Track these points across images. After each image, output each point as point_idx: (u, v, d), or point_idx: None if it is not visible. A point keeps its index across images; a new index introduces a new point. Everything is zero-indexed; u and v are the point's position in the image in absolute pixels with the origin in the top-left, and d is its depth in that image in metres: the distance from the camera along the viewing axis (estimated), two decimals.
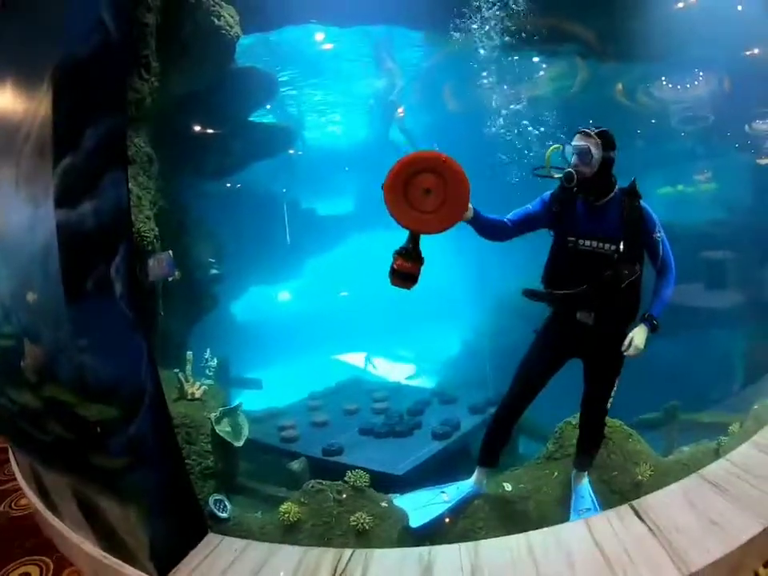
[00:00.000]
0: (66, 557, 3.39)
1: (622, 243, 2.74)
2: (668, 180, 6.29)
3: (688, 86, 5.71)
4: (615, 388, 3.07)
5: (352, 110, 8.96)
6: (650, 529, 2.92)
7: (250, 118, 6.34)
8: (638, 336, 2.77)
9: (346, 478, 3.57)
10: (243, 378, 6.99)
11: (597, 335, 2.93)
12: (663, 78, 5.77)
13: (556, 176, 2.83)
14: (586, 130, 2.76)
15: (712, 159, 5.99)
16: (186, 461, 3.48)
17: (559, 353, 3.11)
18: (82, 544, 3.16)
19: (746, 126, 5.45)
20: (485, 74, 6.86)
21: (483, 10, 5.29)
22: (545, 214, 2.91)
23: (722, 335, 5.30)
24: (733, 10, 5.02)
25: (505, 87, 6.88)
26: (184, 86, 4.48)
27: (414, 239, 2.61)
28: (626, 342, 2.79)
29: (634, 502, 3.19)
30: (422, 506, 3.34)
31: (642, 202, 2.81)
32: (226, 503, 3.47)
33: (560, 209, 2.86)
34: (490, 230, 2.85)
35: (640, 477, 3.43)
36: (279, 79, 6.05)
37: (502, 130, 7.88)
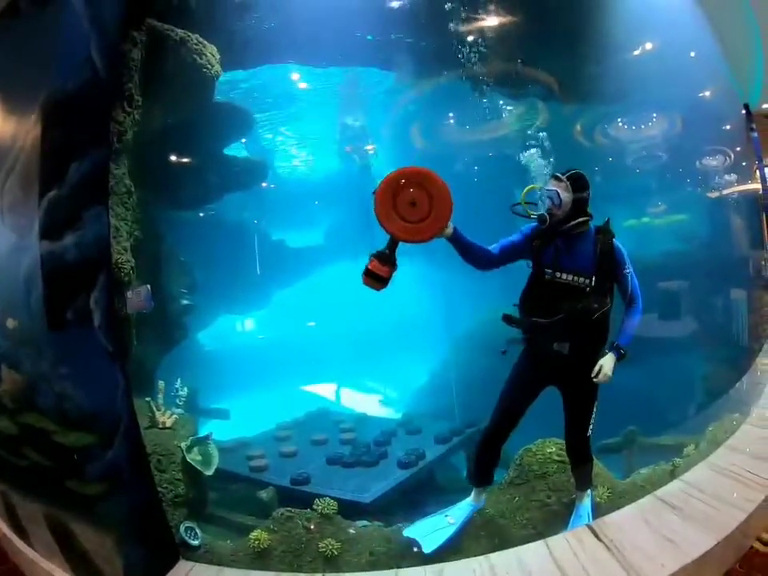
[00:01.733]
0: None
1: (594, 277, 2.96)
2: (626, 214, 6.61)
3: (643, 126, 6.08)
4: (594, 413, 3.25)
5: (322, 147, 9.18)
6: (608, 547, 3.08)
7: (225, 152, 6.49)
8: (606, 364, 2.97)
9: (314, 506, 3.64)
10: (211, 407, 6.95)
11: (571, 363, 3.09)
12: (619, 119, 6.14)
13: (532, 215, 3.08)
14: (558, 175, 3.02)
15: (666, 194, 6.33)
16: (157, 488, 3.49)
17: (537, 381, 3.28)
18: (54, 572, 3.14)
19: (697, 163, 5.81)
20: (451, 114, 7.20)
21: (455, 53, 5.59)
22: (525, 246, 3.10)
23: (678, 362, 5.58)
24: (685, 56, 5.39)
25: (468, 127, 7.24)
26: (164, 120, 4.60)
27: (392, 245, 2.78)
28: (596, 369, 2.98)
29: (592, 523, 3.36)
30: (430, 532, 3.44)
31: (614, 240, 3.04)
32: (197, 531, 3.49)
33: (539, 243, 3.06)
34: (474, 253, 3.00)
35: (597, 499, 3.60)
36: (254, 115, 6.23)
37: (469, 168, 8.25)
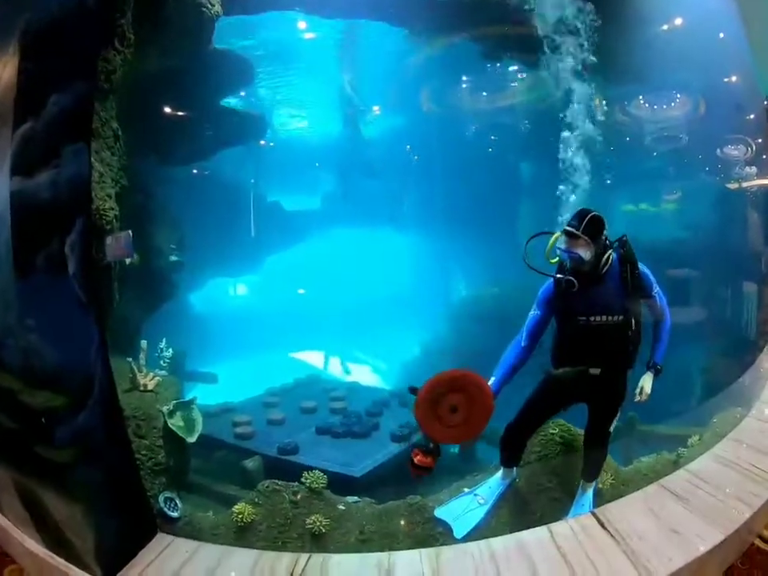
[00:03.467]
0: (7, 553, 3.17)
1: (627, 312, 2.93)
2: (635, 197, 6.39)
3: (665, 107, 5.81)
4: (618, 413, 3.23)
5: (324, 107, 8.82)
6: (612, 536, 2.94)
7: (223, 104, 6.13)
8: (646, 383, 3.10)
9: (302, 479, 3.45)
10: (198, 371, 6.75)
11: (603, 383, 3.10)
12: (641, 98, 5.85)
13: (558, 277, 2.98)
14: (573, 232, 2.84)
15: (681, 180, 6.12)
16: (135, 455, 3.32)
17: (567, 399, 3.31)
18: (25, 542, 2.93)
19: (718, 151, 5.59)
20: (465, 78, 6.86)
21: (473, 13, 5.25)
22: (549, 311, 3.06)
23: (683, 351, 5.45)
24: (713, 38, 5.13)
25: (484, 93, 6.90)
26: (158, 62, 4.27)
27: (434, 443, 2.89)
28: (638, 389, 3.10)
29: (596, 510, 3.22)
30: (461, 514, 3.34)
31: (639, 267, 2.97)
32: (177, 502, 3.28)
33: (564, 299, 2.98)
34: (515, 370, 3.03)
35: (601, 485, 3.45)
36: (256, 67, 5.86)
37: (475, 135, 7.96)
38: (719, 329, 5.61)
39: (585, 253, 2.83)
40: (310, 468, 3.58)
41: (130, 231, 3.42)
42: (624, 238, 3.00)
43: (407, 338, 9.12)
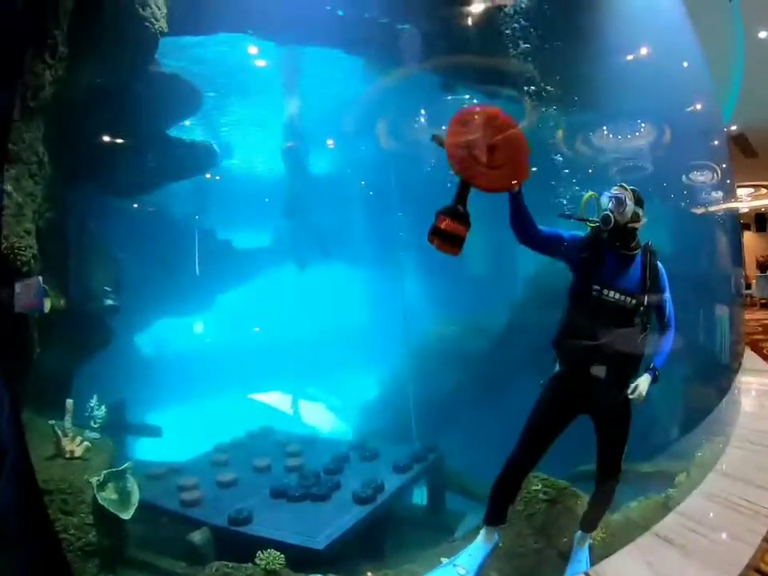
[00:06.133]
0: None
1: (642, 297, 2.88)
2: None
3: (629, 136, 5.80)
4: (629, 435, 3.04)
5: (271, 139, 8.49)
6: None
7: (169, 132, 5.69)
8: (642, 383, 2.87)
9: (257, 560, 3.08)
10: (140, 423, 6.11)
11: (607, 388, 2.92)
12: (604, 128, 5.81)
13: (591, 219, 2.94)
14: (623, 184, 2.95)
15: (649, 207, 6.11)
16: (62, 536, 3.00)
17: (569, 409, 3.03)
18: None
19: (684, 177, 5.60)
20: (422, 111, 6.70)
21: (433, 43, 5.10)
22: (571, 249, 2.94)
23: (662, 381, 5.32)
24: (676, 65, 5.15)
25: (443, 126, 6.72)
26: (95, 78, 3.86)
27: (462, 199, 2.46)
28: (632, 387, 2.86)
29: (590, 571, 2.95)
30: None
31: (659, 263, 3.00)
32: None
33: (588, 255, 2.92)
34: (525, 219, 2.78)
35: (591, 540, 3.21)
36: (204, 92, 5.46)
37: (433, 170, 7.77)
38: (695, 356, 5.52)
39: (629, 201, 2.87)
40: (265, 541, 3.26)
41: (40, 278, 3.02)
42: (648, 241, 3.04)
43: (366, 378, 8.75)
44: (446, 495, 5.42)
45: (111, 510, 3.23)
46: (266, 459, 5.05)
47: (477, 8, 5.16)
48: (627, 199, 2.88)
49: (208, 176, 7.27)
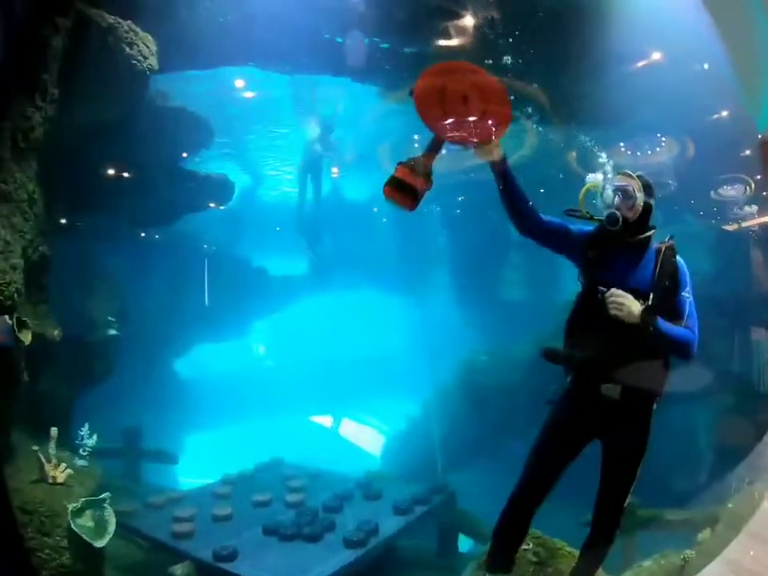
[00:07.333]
0: None
1: (651, 295, 2.41)
2: None
3: (649, 152, 5.47)
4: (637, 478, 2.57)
5: (282, 168, 8.58)
6: None
7: (183, 165, 5.83)
8: (630, 300, 2.36)
9: None
10: (155, 449, 6.15)
11: (623, 412, 2.50)
12: (621, 144, 5.49)
13: (596, 218, 2.55)
14: (628, 171, 2.53)
15: (674, 226, 5.74)
16: (37, 554, 3.04)
17: (579, 434, 2.61)
18: None
19: (712, 192, 5.19)
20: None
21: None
22: (575, 244, 2.59)
23: (688, 416, 4.81)
24: (696, 74, 4.82)
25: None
26: (89, 117, 3.98)
27: (429, 153, 2.25)
28: (610, 291, 2.39)
29: None
30: None
31: (678, 257, 2.54)
32: None
33: (595, 254, 2.55)
34: (520, 202, 2.48)
35: None
36: (211, 125, 5.56)
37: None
38: (729, 385, 5.01)
39: (637, 192, 2.45)
40: None
41: (6, 317, 3.07)
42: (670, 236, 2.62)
43: (387, 413, 8.55)
44: (456, 537, 5.18)
45: (85, 537, 3.19)
46: (267, 494, 4.93)
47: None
48: (635, 190, 2.47)
49: (222, 207, 7.27)
